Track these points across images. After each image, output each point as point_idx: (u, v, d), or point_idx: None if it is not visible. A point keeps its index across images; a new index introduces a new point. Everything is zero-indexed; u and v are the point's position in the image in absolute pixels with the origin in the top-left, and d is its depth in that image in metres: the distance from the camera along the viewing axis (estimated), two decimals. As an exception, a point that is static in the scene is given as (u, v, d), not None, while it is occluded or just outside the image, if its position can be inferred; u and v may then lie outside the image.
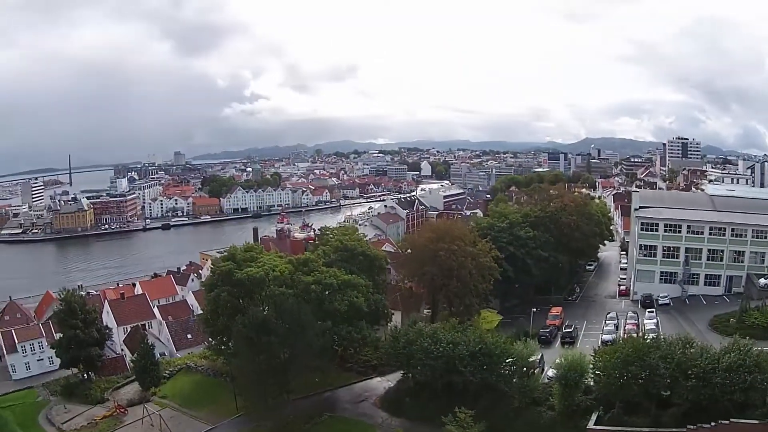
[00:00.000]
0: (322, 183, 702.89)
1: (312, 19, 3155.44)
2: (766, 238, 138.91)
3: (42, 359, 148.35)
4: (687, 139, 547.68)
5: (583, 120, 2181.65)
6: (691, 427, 65.76)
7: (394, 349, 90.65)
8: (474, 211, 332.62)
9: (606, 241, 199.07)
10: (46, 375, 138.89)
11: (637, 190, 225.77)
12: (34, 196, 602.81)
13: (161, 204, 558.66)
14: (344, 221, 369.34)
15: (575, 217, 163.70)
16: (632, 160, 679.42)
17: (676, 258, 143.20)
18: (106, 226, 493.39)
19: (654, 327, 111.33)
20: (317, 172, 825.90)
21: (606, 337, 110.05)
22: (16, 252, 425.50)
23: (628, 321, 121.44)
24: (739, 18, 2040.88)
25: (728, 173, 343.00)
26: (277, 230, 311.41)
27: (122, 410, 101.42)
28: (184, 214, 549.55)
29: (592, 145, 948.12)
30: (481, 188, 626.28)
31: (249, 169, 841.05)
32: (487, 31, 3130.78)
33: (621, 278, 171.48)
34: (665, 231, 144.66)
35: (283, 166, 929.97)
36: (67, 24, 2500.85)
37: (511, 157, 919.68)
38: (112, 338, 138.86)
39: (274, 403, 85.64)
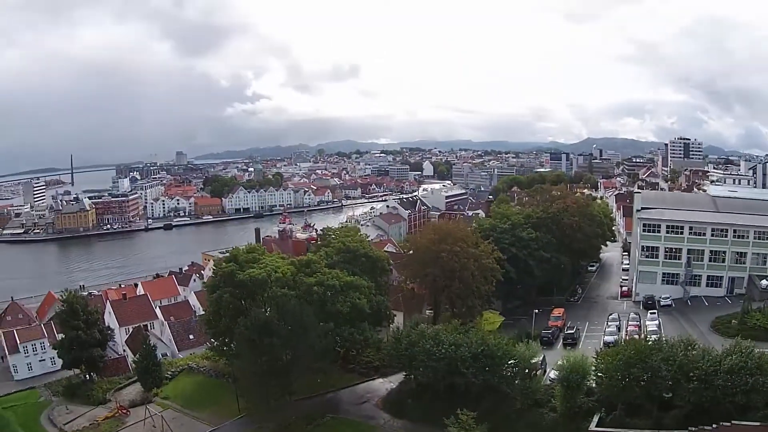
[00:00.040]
0: (324, 183, 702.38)
1: (314, 19, 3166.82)
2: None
3: (44, 360, 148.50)
4: (689, 139, 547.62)
5: (584, 120, 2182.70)
6: (693, 429, 65.78)
7: (396, 350, 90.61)
8: (476, 211, 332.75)
9: (608, 242, 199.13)
10: (47, 375, 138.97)
11: (639, 191, 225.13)
12: (35, 196, 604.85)
13: (163, 204, 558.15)
14: (346, 221, 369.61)
15: (577, 218, 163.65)
16: (634, 160, 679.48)
17: (678, 259, 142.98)
18: (108, 226, 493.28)
19: (656, 328, 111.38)
20: (319, 172, 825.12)
21: (608, 338, 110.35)
22: (18, 252, 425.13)
23: (630, 322, 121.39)
24: (740, 18, 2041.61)
25: (730, 174, 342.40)
26: (279, 231, 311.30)
27: (124, 411, 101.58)
28: (186, 214, 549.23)
29: (594, 146, 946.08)
30: (483, 188, 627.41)
31: (251, 169, 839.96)
32: (487, 31, 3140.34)
33: (623, 279, 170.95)
34: (667, 232, 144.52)
35: (285, 166, 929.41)
36: (69, 24, 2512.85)
37: (513, 158, 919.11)
38: (114, 339, 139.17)
39: (276, 404, 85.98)
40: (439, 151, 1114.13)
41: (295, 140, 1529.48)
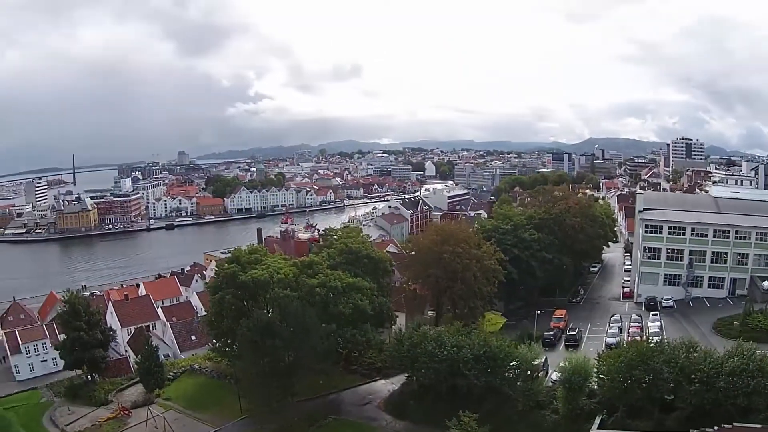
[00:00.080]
0: (326, 183, 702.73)
1: (315, 19, 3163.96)
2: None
3: (46, 360, 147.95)
4: (691, 139, 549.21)
5: (586, 120, 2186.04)
6: (694, 431, 65.70)
7: (398, 352, 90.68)
8: (478, 211, 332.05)
9: (610, 243, 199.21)
10: (49, 376, 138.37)
11: (642, 191, 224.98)
12: (37, 195, 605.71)
13: (165, 204, 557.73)
14: (348, 222, 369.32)
15: (579, 219, 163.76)
16: (636, 160, 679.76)
17: (680, 260, 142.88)
18: (110, 226, 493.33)
19: (658, 330, 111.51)
20: (321, 172, 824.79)
21: (610, 340, 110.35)
22: (20, 252, 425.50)
23: (632, 324, 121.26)
24: (741, 18, 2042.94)
25: (732, 174, 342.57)
26: (281, 231, 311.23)
27: (126, 412, 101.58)
28: (188, 214, 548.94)
29: (596, 146, 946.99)
30: (485, 188, 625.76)
31: (253, 169, 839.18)
32: (488, 30, 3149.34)
33: (625, 280, 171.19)
34: (669, 233, 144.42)
35: (287, 166, 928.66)
36: (70, 24, 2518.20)
37: (515, 158, 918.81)
38: (116, 339, 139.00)
39: (279, 405, 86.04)
40: (441, 151, 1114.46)
41: (297, 140, 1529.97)
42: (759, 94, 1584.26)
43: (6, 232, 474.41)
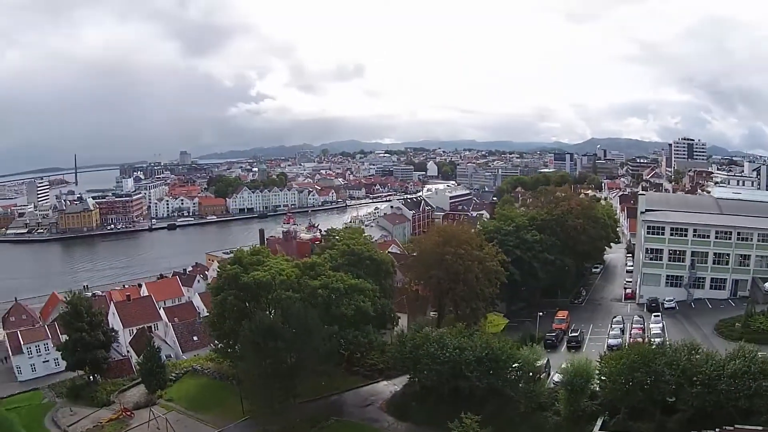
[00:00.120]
0: (328, 183, 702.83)
1: (317, 19, 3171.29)
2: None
3: (47, 361, 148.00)
4: (693, 140, 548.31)
5: (588, 120, 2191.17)
6: (696, 433, 65.90)
7: (400, 353, 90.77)
8: (480, 211, 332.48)
9: (612, 244, 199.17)
10: (51, 377, 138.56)
11: (644, 192, 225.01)
12: (39, 195, 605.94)
13: (167, 204, 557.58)
14: (350, 222, 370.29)
15: (581, 220, 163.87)
16: (638, 160, 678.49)
17: (682, 261, 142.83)
18: (112, 226, 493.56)
19: (660, 331, 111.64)
20: (323, 172, 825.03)
21: (612, 341, 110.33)
22: (22, 252, 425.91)
23: (633, 325, 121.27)
24: (743, 18, 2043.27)
25: (734, 175, 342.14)
26: (283, 232, 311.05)
27: (128, 413, 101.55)
28: (190, 214, 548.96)
29: (598, 146, 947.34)
30: (487, 189, 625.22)
31: (255, 169, 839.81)
32: (490, 30, 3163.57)
33: (627, 281, 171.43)
34: (671, 234, 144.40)
35: (289, 166, 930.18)
36: (73, 24, 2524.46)
37: (517, 158, 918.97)
38: (117, 340, 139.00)
39: (281, 406, 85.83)
40: (444, 152, 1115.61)
41: (299, 140, 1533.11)
42: (761, 94, 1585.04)
43: (8, 232, 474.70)
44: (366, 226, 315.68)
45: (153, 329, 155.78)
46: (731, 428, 64.08)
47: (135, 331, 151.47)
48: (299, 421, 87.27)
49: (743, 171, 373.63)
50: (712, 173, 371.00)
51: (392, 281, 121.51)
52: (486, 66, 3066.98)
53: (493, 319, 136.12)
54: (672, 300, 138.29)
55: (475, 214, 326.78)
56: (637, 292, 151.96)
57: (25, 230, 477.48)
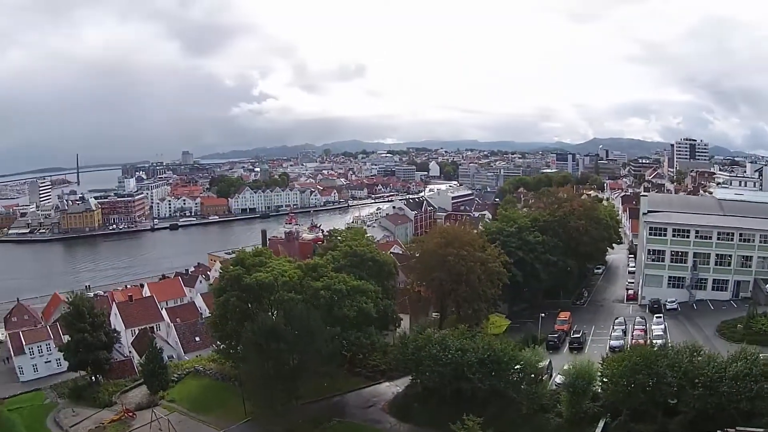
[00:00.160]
0: (331, 183, 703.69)
1: (319, 19, 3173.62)
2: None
3: (49, 361, 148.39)
4: (695, 140, 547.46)
5: (590, 120, 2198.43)
6: (698, 435, 65.93)
7: (402, 354, 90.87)
8: (482, 212, 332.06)
9: (614, 245, 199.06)
10: (53, 377, 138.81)
11: (646, 193, 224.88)
12: (41, 195, 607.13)
13: (169, 204, 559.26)
14: (352, 222, 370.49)
15: (584, 221, 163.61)
16: (640, 161, 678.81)
17: (684, 262, 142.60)
18: (114, 226, 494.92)
19: (662, 333, 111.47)
20: (325, 172, 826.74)
21: (614, 343, 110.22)
22: (24, 252, 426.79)
23: (635, 327, 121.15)
24: (744, 17, 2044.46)
25: (736, 176, 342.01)
26: (285, 232, 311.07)
27: (130, 414, 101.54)
28: (192, 214, 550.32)
29: (600, 146, 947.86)
30: (489, 189, 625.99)
31: (257, 169, 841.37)
32: (492, 30, 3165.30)
33: (629, 282, 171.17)
34: (673, 235, 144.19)
35: (291, 166, 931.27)
36: (73, 24, 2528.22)
37: (519, 158, 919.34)
38: (120, 341, 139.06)
39: (283, 408, 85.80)
40: (446, 152, 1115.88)
41: (302, 140, 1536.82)
42: (762, 94, 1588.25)
43: (10, 231, 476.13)
44: (368, 226, 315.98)
45: (155, 330, 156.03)
46: (733, 430, 63.88)
47: (137, 332, 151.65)
48: (301, 423, 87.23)
49: (745, 172, 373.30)
50: (715, 174, 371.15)
51: (394, 282, 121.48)
52: (488, 66, 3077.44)
53: (495, 321, 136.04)
54: (674, 301, 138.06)
55: (477, 214, 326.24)
56: (639, 293, 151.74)
57: (27, 230, 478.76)
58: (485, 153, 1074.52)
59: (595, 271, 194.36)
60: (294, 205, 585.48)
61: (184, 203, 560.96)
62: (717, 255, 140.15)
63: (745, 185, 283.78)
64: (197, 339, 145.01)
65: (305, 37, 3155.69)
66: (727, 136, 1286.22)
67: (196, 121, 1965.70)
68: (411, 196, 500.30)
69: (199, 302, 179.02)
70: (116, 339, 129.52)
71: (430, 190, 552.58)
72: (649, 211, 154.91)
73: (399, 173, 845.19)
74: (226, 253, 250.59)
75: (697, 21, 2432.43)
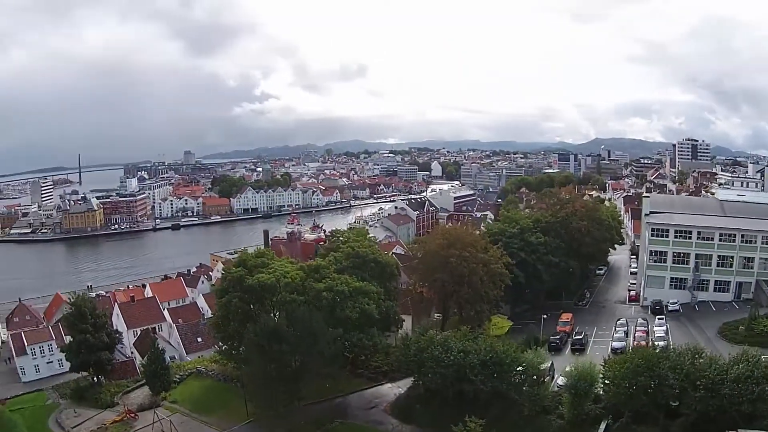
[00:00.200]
0: (333, 183, 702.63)
1: (321, 19, 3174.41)
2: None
3: (51, 362, 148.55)
4: (697, 140, 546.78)
5: (592, 120, 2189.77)
6: (699, 437, 66.01)
7: (405, 356, 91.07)
8: (484, 212, 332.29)
9: (616, 245, 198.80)
10: (55, 378, 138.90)
11: (648, 194, 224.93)
12: (43, 195, 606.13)
13: (171, 204, 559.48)
14: (354, 222, 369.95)
15: (586, 222, 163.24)
16: (642, 161, 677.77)
17: (686, 264, 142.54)
18: (116, 226, 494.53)
19: (663, 334, 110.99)
20: (327, 172, 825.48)
21: (616, 344, 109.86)
22: (25, 252, 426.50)
23: (637, 328, 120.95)
24: (746, 17, 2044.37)
25: (738, 177, 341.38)
26: (287, 233, 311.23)
27: (132, 415, 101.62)
28: (194, 214, 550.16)
29: (602, 146, 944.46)
30: (491, 189, 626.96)
31: (259, 169, 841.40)
32: (494, 30, 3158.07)
33: (631, 283, 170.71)
34: (675, 237, 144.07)
35: (293, 166, 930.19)
36: (73, 24, 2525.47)
37: (521, 158, 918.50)
38: (122, 341, 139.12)
39: (285, 409, 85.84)
40: (448, 152, 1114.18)
41: (304, 140, 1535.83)
42: (764, 94, 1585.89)
43: (12, 231, 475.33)
44: (370, 226, 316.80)
45: (157, 330, 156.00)
46: (734, 432, 64.26)
47: (139, 333, 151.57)
48: (303, 424, 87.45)
49: (747, 172, 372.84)
50: (717, 174, 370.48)
51: (396, 284, 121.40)
52: (489, 65, 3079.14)
53: (497, 322, 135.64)
54: (676, 302, 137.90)
55: (479, 214, 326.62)
56: (641, 294, 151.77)
57: (29, 230, 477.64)
58: (487, 153, 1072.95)
59: (597, 272, 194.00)
60: (296, 205, 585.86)
61: (186, 203, 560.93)
62: (719, 256, 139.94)
63: (747, 186, 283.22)
64: (199, 340, 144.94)
65: (307, 37, 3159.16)
66: (728, 136, 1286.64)
67: (198, 121, 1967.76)
68: (413, 197, 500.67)
69: (201, 303, 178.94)
70: (118, 340, 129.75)
71: (432, 191, 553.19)
72: (651, 212, 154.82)
73: (401, 173, 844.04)
74: (228, 254, 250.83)
75: (698, 21, 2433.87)
